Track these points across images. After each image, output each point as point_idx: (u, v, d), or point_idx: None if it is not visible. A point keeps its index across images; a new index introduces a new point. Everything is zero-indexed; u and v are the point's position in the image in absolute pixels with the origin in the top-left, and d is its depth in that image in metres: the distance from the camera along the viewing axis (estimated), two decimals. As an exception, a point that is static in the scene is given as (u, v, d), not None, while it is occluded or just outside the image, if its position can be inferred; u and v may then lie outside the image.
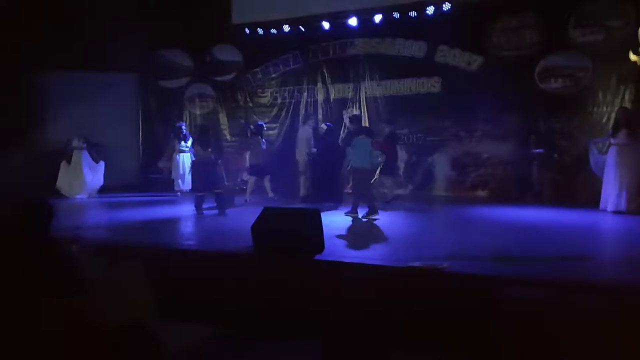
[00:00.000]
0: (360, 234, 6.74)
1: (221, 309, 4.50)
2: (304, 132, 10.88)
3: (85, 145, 11.51)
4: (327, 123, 10.45)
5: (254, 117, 12.68)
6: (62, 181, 11.29)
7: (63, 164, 11.37)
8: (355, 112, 11.68)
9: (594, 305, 3.58)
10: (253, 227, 5.29)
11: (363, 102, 11.74)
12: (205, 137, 8.96)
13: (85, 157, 11.50)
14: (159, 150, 12.35)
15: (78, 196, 11.21)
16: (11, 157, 10.28)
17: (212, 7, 12.12)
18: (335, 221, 7.42)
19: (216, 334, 3.74)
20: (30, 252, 2.97)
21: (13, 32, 11.22)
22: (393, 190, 9.83)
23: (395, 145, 9.76)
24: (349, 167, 9.08)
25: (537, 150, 9.83)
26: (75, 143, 11.44)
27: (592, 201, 8.61)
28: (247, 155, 11.02)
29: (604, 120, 9.54)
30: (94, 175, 11.56)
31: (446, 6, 10.32)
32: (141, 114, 13.54)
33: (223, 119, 13.13)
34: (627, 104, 9.24)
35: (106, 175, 11.81)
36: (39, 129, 11.75)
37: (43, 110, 12.19)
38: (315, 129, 11.11)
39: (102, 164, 11.70)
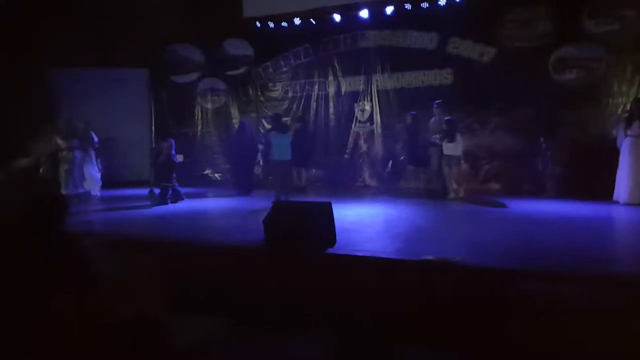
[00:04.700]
0: (372, 228, 6.73)
1: (232, 303, 4.51)
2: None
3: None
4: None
5: (266, 111, 12.71)
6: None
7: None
8: (367, 105, 11.69)
9: (608, 299, 3.55)
10: (264, 221, 5.30)
11: (375, 95, 11.69)
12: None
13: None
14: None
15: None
16: (23, 154, 10.32)
17: (223, 1, 12.12)
18: (348, 214, 7.41)
19: (227, 328, 3.76)
20: (43, 246, 2.98)
21: (23, 29, 11.30)
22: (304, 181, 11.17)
23: (306, 140, 10.80)
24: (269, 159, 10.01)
25: (549, 143, 9.72)
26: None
27: (606, 193, 8.51)
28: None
29: (619, 111, 9.40)
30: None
31: (458, -3, 10.25)
32: (153, 109, 13.60)
33: (235, 113, 13.15)
34: (642, 95, 9.10)
35: (116, 170, 11.74)
36: (48, 126, 11.78)
37: (54, 107, 12.25)
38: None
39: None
